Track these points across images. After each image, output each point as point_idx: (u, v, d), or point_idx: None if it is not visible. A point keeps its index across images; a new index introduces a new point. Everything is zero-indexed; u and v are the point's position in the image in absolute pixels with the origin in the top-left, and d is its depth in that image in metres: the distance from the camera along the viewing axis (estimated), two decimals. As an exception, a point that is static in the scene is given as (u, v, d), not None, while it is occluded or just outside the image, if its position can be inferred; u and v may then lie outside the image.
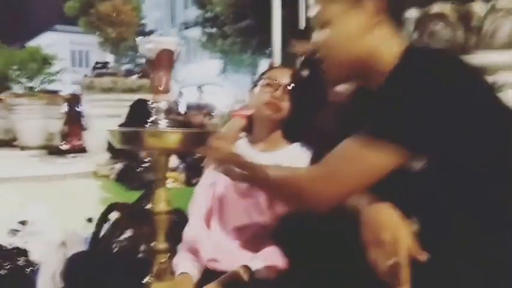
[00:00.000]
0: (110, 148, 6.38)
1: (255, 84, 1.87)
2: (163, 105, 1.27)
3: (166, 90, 1.28)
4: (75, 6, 8.60)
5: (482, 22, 2.34)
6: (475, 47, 2.40)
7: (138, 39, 1.28)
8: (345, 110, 1.48)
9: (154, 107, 1.27)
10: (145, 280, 1.28)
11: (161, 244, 1.27)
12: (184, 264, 1.59)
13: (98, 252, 2.00)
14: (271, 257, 1.57)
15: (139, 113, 5.64)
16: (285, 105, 1.74)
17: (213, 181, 1.76)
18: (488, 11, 2.36)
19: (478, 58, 2.38)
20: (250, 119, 1.86)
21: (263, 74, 1.87)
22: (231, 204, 1.72)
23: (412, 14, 2.46)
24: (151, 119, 1.27)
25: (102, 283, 1.62)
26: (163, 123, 1.26)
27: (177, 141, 1.22)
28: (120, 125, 6.46)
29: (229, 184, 1.71)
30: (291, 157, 1.74)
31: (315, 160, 1.50)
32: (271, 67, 1.87)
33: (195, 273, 1.59)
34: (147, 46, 1.25)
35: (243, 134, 1.89)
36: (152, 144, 1.22)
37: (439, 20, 2.37)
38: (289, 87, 1.75)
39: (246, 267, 1.53)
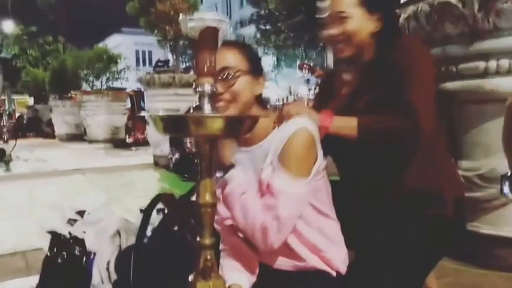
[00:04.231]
0: (171, 139, 6.33)
1: None
2: (207, 88, 1.08)
3: (211, 72, 1.09)
4: (135, 6, 8.64)
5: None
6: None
7: (181, 17, 1.10)
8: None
9: (198, 91, 1.09)
10: (190, 278, 1.11)
11: (207, 239, 1.09)
12: (233, 275, 1.39)
13: (148, 246, 1.86)
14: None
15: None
16: (228, 96, 1.38)
17: None
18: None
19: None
20: None
21: None
22: None
23: (476, -8, 2.18)
24: (195, 104, 1.10)
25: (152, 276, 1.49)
26: (207, 108, 1.08)
27: (221, 127, 1.03)
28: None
29: None
30: (275, 141, 1.41)
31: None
32: None
33: (245, 283, 1.39)
34: (190, 24, 1.07)
35: None
36: (195, 130, 1.03)
37: (507, -3, 2.10)
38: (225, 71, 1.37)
39: None
